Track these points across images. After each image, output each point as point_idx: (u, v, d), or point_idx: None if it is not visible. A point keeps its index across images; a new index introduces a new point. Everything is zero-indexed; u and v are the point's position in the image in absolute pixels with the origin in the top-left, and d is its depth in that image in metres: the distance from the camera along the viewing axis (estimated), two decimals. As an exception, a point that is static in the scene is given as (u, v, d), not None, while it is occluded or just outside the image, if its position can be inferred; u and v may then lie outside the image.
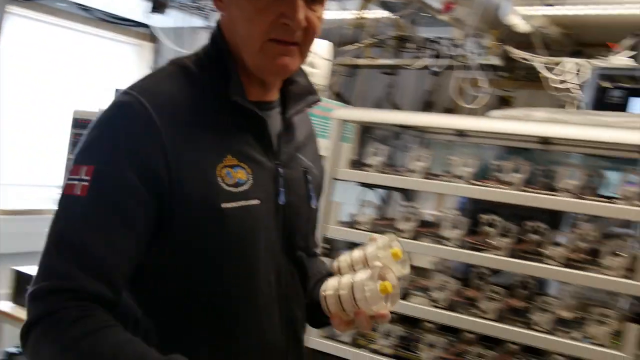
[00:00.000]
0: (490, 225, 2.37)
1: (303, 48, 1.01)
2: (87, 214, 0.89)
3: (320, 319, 1.08)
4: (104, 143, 0.93)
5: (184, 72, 1.01)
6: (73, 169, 0.92)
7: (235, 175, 0.97)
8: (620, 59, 3.21)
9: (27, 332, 0.86)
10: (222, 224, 0.95)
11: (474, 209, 2.58)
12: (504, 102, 3.99)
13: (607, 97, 3.39)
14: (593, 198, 2.21)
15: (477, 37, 3.48)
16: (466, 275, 2.54)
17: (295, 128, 1.12)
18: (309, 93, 1.12)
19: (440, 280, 2.47)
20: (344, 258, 1.06)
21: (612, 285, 2.16)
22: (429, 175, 2.54)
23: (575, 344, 2.17)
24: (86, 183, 0.89)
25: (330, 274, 1.09)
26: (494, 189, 2.36)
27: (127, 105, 0.93)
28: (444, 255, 2.49)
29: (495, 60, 3.56)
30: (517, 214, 2.40)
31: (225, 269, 0.97)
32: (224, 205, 0.94)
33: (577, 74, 3.28)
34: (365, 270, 0.97)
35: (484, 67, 3.52)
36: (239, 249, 0.98)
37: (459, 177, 2.44)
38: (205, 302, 0.97)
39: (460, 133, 2.76)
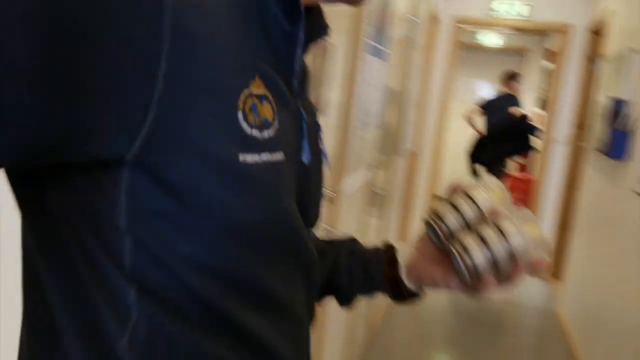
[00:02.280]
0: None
1: None
2: None
3: (353, 294, 0.90)
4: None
5: None
6: None
7: (262, 112, 0.57)
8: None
9: None
10: (237, 189, 0.55)
11: None
12: None
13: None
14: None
15: None
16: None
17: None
18: (323, 17, 0.72)
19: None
20: (450, 220, 0.86)
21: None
22: None
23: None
24: None
25: (349, 243, 0.92)
26: None
27: None
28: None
29: None
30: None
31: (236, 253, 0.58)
32: (242, 157, 0.55)
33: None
34: (505, 219, 0.82)
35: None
36: (262, 228, 0.59)
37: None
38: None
39: None
